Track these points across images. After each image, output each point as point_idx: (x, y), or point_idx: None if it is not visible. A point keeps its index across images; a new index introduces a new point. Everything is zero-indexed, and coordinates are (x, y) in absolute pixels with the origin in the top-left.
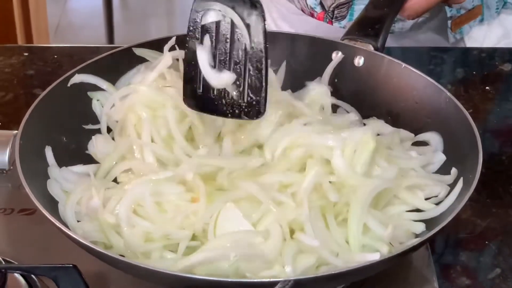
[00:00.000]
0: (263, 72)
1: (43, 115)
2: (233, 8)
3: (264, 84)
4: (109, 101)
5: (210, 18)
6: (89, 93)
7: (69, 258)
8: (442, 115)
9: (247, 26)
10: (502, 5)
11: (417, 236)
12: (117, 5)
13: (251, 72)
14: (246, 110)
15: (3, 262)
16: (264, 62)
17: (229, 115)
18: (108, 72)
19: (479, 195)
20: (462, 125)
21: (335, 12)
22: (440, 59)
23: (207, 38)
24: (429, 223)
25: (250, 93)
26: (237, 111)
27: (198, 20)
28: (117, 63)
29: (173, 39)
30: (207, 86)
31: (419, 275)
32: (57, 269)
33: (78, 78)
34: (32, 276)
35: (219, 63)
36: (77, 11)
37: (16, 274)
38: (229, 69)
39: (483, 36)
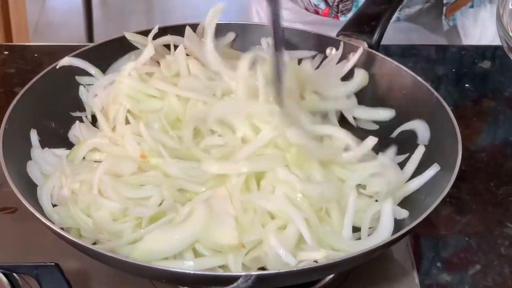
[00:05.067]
0: None
1: (32, 100)
2: None
3: None
4: (92, 91)
5: None
6: (77, 78)
7: (51, 257)
8: (428, 115)
9: None
10: None
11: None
12: (96, 3)
13: None
14: None
15: None
16: None
17: None
18: (100, 60)
19: (459, 192)
20: (447, 128)
21: (340, 6)
22: (420, 56)
23: None
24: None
25: None
26: None
27: None
28: (110, 52)
29: (156, 27)
30: None
31: (400, 271)
32: (39, 267)
33: (67, 61)
34: (14, 274)
35: None
36: (56, 9)
37: None
38: None
39: (479, 33)
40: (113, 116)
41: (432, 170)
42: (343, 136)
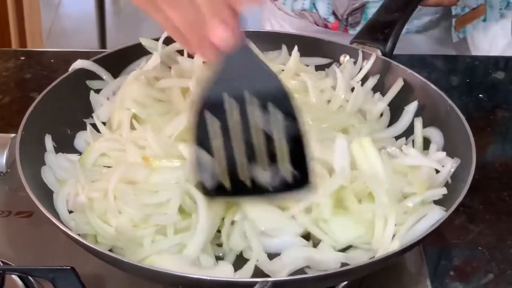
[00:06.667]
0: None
1: (48, 107)
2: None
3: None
4: (98, 101)
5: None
6: (87, 82)
7: (67, 260)
8: (442, 122)
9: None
10: (505, 6)
11: None
12: (109, 10)
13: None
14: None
15: (1, 264)
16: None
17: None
18: (116, 66)
19: (472, 201)
20: (460, 134)
21: (349, 19)
22: (434, 67)
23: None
24: None
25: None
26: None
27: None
28: (126, 59)
29: (165, 33)
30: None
31: (414, 280)
32: (55, 271)
33: (79, 64)
34: (30, 278)
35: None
36: (70, 16)
37: (13, 276)
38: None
39: (489, 45)
40: (118, 121)
41: (454, 164)
42: (429, 163)
